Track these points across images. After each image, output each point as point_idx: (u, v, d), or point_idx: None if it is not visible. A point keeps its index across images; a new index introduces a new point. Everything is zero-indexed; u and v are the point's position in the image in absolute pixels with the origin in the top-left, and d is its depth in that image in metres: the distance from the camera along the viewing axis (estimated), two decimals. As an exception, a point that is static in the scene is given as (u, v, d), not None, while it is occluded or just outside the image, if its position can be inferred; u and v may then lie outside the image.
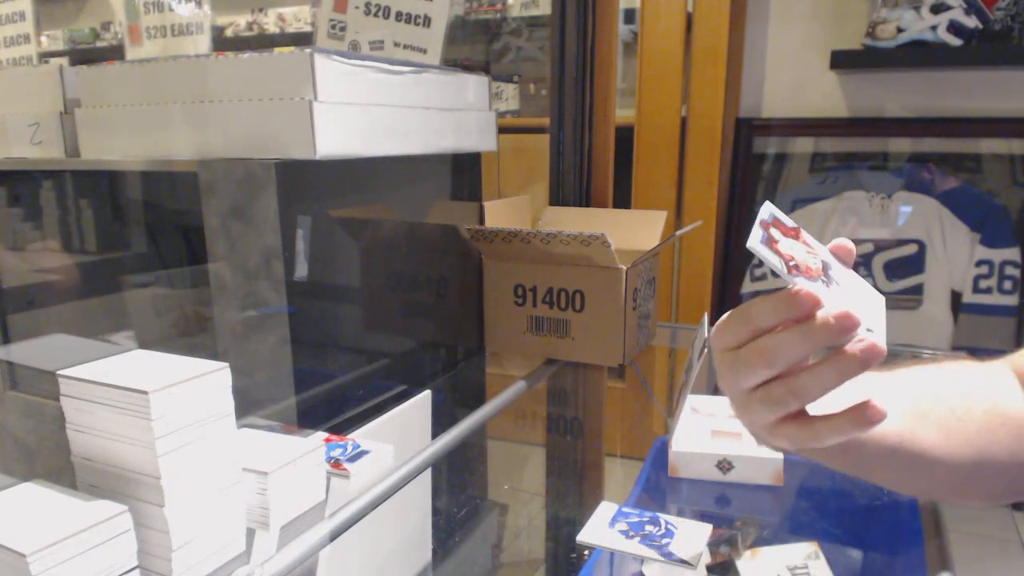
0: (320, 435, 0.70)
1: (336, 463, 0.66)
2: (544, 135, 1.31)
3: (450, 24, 0.99)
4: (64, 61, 0.93)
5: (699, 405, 1.05)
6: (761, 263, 0.46)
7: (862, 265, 1.86)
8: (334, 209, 0.83)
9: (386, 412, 0.84)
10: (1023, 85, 1.75)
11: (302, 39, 2.93)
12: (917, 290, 1.83)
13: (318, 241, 0.79)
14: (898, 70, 1.83)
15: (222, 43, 3.00)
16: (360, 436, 0.72)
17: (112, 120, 0.83)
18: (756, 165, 2.02)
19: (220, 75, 0.75)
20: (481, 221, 1.09)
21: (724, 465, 0.96)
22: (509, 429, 1.21)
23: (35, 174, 1.00)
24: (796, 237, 0.45)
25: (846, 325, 0.40)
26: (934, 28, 1.67)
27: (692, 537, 0.71)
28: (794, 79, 1.94)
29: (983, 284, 1.78)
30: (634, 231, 1.15)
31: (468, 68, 1.00)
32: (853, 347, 0.40)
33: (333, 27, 0.98)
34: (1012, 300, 1.76)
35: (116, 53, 1.39)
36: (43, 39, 3.10)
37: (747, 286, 1.99)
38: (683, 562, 0.67)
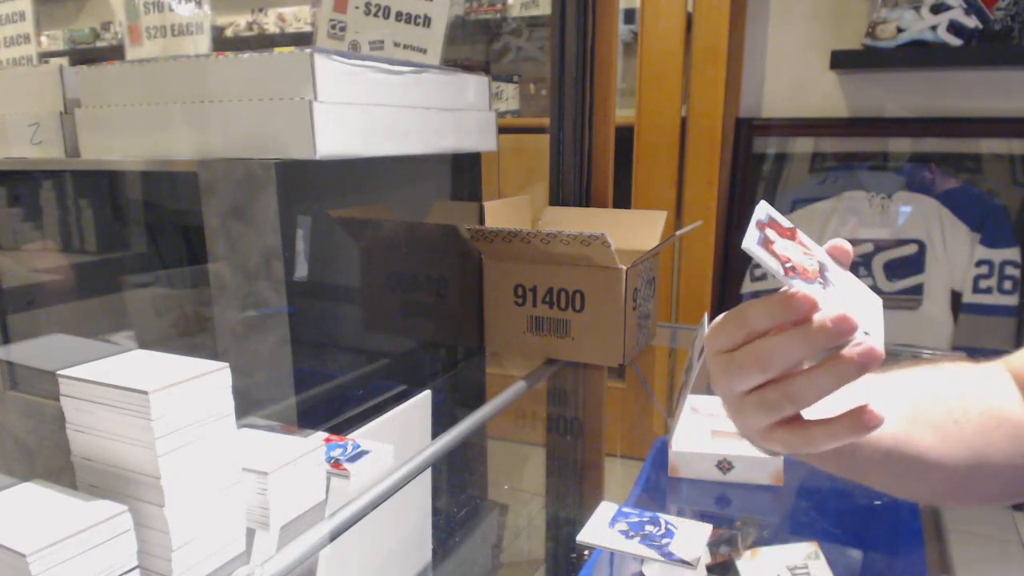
0: (320, 435, 0.70)
1: (336, 463, 0.66)
2: (544, 135, 1.31)
3: (450, 24, 0.99)
4: (64, 61, 0.93)
5: (699, 405, 1.05)
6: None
7: (862, 265, 1.86)
8: (334, 209, 0.83)
9: (386, 412, 0.84)
10: (1023, 85, 1.75)
11: (302, 39, 2.93)
12: (917, 290, 1.83)
13: (318, 241, 0.79)
14: (898, 70, 1.83)
15: (222, 43, 3.00)
16: (360, 436, 0.72)
17: (112, 120, 0.83)
18: (756, 165, 2.02)
19: (220, 75, 0.75)
20: (481, 221, 1.09)
21: (724, 465, 0.96)
22: (509, 429, 1.21)
23: (35, 174, 1.00)
24: (792, 238, 0.44)
25: (843, 328, 0.39)
26: (934, 28, 1.67)
27: (692, 537, 0.71)
28: (794, 79, 1.94)
29: (983, 284, 1.78)
30: (634, 231, 1.15)
31: (468, 68, 1.00)
32: (850, 351, 0.40)
33: (333, 27, 0.98)
34: (1012, 300, 1.76)
35: (116, 53, 1.39)
36: (43, 39, 3.11)
37: (747, 286, 1.99)
38: (683, 562, 0.67)
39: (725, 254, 2.04)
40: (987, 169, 1.83)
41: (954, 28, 1.66)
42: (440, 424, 0.89)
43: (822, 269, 0.44)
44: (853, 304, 0.43)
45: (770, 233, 0.42)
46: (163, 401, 0.49)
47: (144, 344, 0.94)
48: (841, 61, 1.79)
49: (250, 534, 0.58)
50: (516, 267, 1.02)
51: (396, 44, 0.98)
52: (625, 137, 1.90)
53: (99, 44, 3.32)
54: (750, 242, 0.40)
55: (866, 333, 0.40)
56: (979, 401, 0.53)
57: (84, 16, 3.40)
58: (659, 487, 0.98)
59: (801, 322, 0.40)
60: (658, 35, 1.95)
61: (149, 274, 0.95)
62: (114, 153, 0.84)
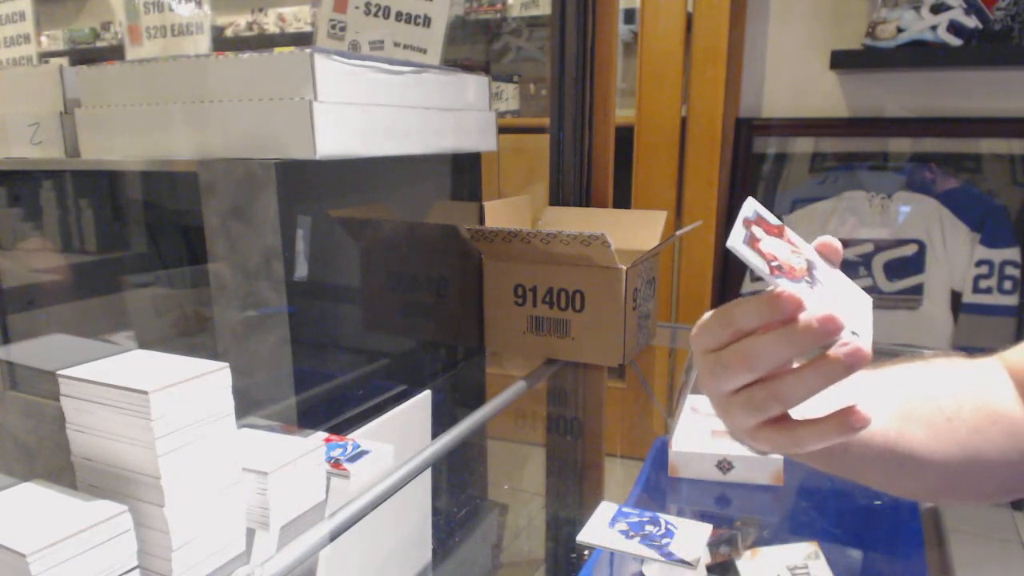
0: (320, 435, 0.70)
1: (336, 463, 0.66)
2: (544, 135, 1.31)
3: (450, 24, 0.99)
4: (64, 61, 0.93)
5: (699, 405, 1.05)
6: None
7: (862, 265, 1.86)
8: (334, 209, 0.83)
9: (386, 412, 0.84)
10: (1023, 85, 1.75)
11: (302, 39, 2.93)
12: (917, 290, 1.83)
13: (318, 241, 0.79)
14: (898, 70, 1.83)
15: (222, 43, 3.00)
16: (360, 436, 0.72)
17: (112, 120, 0.83)
18: (756, 165, 2.02)
19: (220, 75, 0.75)
20: (481, 221, 1.09)
21: (724, 465, 0.96)
22: (509, 429, 1.21)
23: (35, 174, 1.00)
24: (780, 235, 0.43)
25: (829, 328, 0.38)
26: (934, 28, 1.67)
27: (692, 537, 0.71)
28: (794, 79, 1.94)
29: (983, 284, 1.78)
30: (634, 231, 1.15)
31: (468, 68, 1.00)
32: (837, 351, 0.39)
33: (333, 27, 0.98)
34: (1012, 300, 1.76)
35: (116, 53, 1.39)
36: (43, 39, 3.11)
37: (747, 286, 1.99)
38: (683, 562, 0.67)
39: (725, 254, 2.03)
40: (987, 169, 1.83)
41: (954, 28, 1.66)
42: (440, 424, 0.89)
43: (810, 267, 0.43)
44: (841, 303, 0.42)
45: (757, 231, 0.42)
46: (163, 401, 0.49)
47: (144, 344, 0.94)
48: (841, 61, 1.79)
49: (250, 534, 0.58)
50: (516, 267, 1.02)
51: (396, 44, 0.98)
52: (625, 137, 1.90)
53: (99, 44, 3.32)
54: (735, 241, 0.40)
55: (854, 333, 0.39)
56: (972, 397, 0.53)
57: (84, 16, 3.40)
58: (659, 487, 0.98)
59: (787, 322, 0.40)
60: (658, 35, 1.95)
61: (149, 274, 0.95)
62: (114, 153, 0.84)
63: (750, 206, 0.42)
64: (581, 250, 0.94)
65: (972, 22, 1.66)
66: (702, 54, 1.89)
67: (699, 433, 0.99)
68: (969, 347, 0.58)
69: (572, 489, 1.26)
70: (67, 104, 0.88)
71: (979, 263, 1.78)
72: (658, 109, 1.98)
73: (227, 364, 0.53)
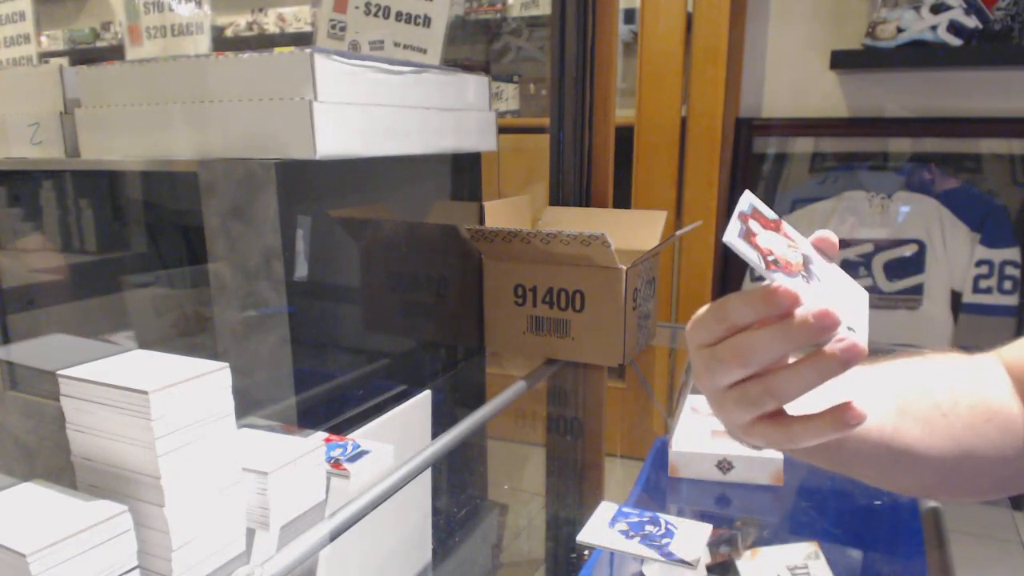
0: (320, 435, 0.70)
1: (336, 463, 0.66)
2: (544, 135, 1.31)
3: (450, 24, 0.99)
4: (64, 61, 0.93)
5: (699, 405, 1.05)
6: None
7: (862, 265, 1.86)
8: (334, 209, 0.83)
9: (386, 412, 0.84)
10: (1023, 85, 1.75)
11: (302, 39, 2.93)
12: (917, 290, 1.83)
13: (318, 241, 0.79)
14: (898, 70, 1.83)
15: (222, 43, 3.00)
16: (360, 436, 0.72)
17: (112, 120, 0.83)
18: (756, 165, 2.02)
19: (220, 75, 0.75)
20: (481, 221, 1.09)
21: (724, 465, 0.96)
22: (509, 429, 1.21)
23: (35, 174, 1.00)
24: (777, 229, 0.43)
25: (825, 324, 0.38)
26: (934, 28, 1.67)
27: (692, 537, 0.71)
28: (794, 79, 1.94)
29: (983, 284, 1.78)
30: (634, 231, 1.15)
31: (468, 68, 1.00)
32: (833, 347, 0.39)
33: (333, 27, 0.98)
34: (1012, 300, 1.76)
35: (116, 53, 1.39)
36: (43, 39, 3.11)
37: (747, 285, 1.99)
38: (683, 562, 0.67)
39: (725, 254, 2.04)
40: (987, 169, 1.83)
41: (954, 28, 1.66)
42: (440, 424, 0.89)
43: (806, 262, 0.42)
44: (837, 298, 0.42)
45: (753, 225, 0.41)
46: (163, 401, 0.49)
47: (144, 344, 0.94)
48: (841, 61, 1.79)
49: (250, 534, 0.58)
50: (516, 267, 1.02)
51: (396, 44, 0.98)
52: (625, 137, 1.90)
53: (99, 44, 3.32)
54: (731, 235, 0.39)
55: (850, 328, 0.39)
56: (968, 393, 0.53)
57: (84, 16, 3.40)
58: (659, 487, 0.98)
59: (783, 317, 0.39)
60: (658, 35, 1.95)
61: (149, 274, 0.95)
62: (114, 153, 0.84)
63: (746, 200, 0.42)
64: (581, 250, 0.94)
65: (972, 22, 1.66)
66: (702, 54, 1.89)
67: (699, 433, 0.99)
68: (969, 347, 0.58)
69: (572, 489, 1.26)
70: (67, 104, 0.88)
71: (979, 263, 1.78)
72: (658, 109, 1.98)
73: (227, 364, 0.53)
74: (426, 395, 0.91)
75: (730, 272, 2.04)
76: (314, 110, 0.72)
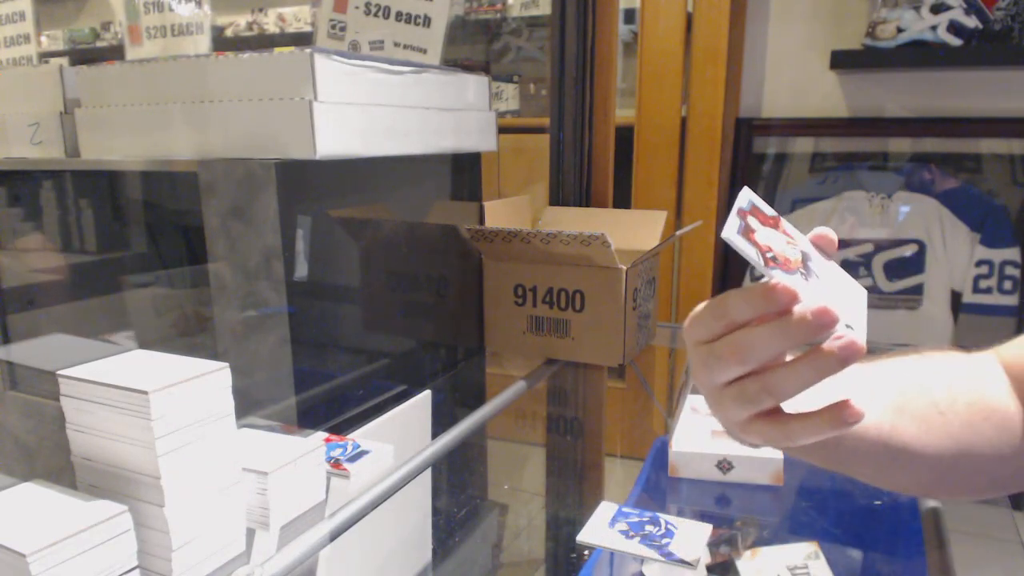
0: (320, 435, 0.70)
1: (336, 463, 0.66)
2: (544, 135, 1.31)
3: (450, 24, 0.99)
4: (64, 61, 0.93)
5: (699, 405, 1.05)
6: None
7: (862, 265, 1.86)
8: (334, 209, 0.83)
9: (386, 412, 0.84)
10: (1023, 85, 1.75)
11: (302, 39, 2.93)
12: (917, 290, 1.83)
13: (318, 241, 0.79)
14: (898, 70, 1.83)
15: (222, 43, 3.00)
16: (360, 436, 0.72)
17: (112, 120, 0.83)
18: (756, 165, 2.02)
19: (220, 75, 0.75)
20: (481, 221, 1.09)
21: (724, 465, 0.96)
22: (509, 429, 1.21)
23: (35, 174, 1.00)
24: (775, 226, 0.42)
25: (824, 321, 0.38)
26: (934, 28, 1.67)
27: (692, 537, 0.71)
28: (794, 79, 1.94)
29: (983, 284, 1.78)
30: (634, 231, 1.15)
31: (468, 68, 1.00)
32: (831, 344, 0.39)
33: (333, 27, 0.98)
34: (1012, 300, 1.76)
35: (116, 53, 1.39)
36: (43, 39, 3.11)
37: (747, 285, 1.99)
38: (683, 562, 0.67)
39: (725, 254, 2.04)
40: (987, 169, 1.83)
41: (954, 28, 1.66)
42: (440, 424, 0.89)
43: (805, 259, 0.42)
44: (836, 296, 0.42)
45: (752, 221, 0.41)
46: (163, 401, 0.49)
47: (144, 344, 0.94)
48: (841, 61, 1.79)
49: (250, 534, 0.58)
50: (516, 267, 1.02)
51: (396, 44, 0.98)
52: (625, 137, 1.90)
53: (99, 44, 3.32)
54: (730, 231, 0.39)
55: (848, 326, 0.39)
56: (967, 391, 0.53)
57: (84, 16, 3.40)
58: (659, 487, 0.98)
59: (781, 314, 0.39)
60: (658, 35, 1.95)
61: (149, 274, 0.95)
62: (114, 153, 0.84)
63: (745, 196, 0.41)
64: (581, 250, 0.94)
65: (972, 22, 1.66)
66: (702, 54, 1.89)
67: (699, 433, 0.99)
68: (969, 347, 0.58)
69: (572, 489, 1.26)
70: (67, 104, 0.88)
71: (979, 263, 1.78)
72: (658, 109, 1.98)
73: (227, 364, 0.53)
74: (426, 395, 0.91)
75: (730, 272, 2.04)
76: (314, 110, 0.72)
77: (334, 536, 0.63)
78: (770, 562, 0.81)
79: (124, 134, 0.82)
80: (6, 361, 0.99)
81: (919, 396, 0.52)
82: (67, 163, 0.90)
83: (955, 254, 1.81)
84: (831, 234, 0.45)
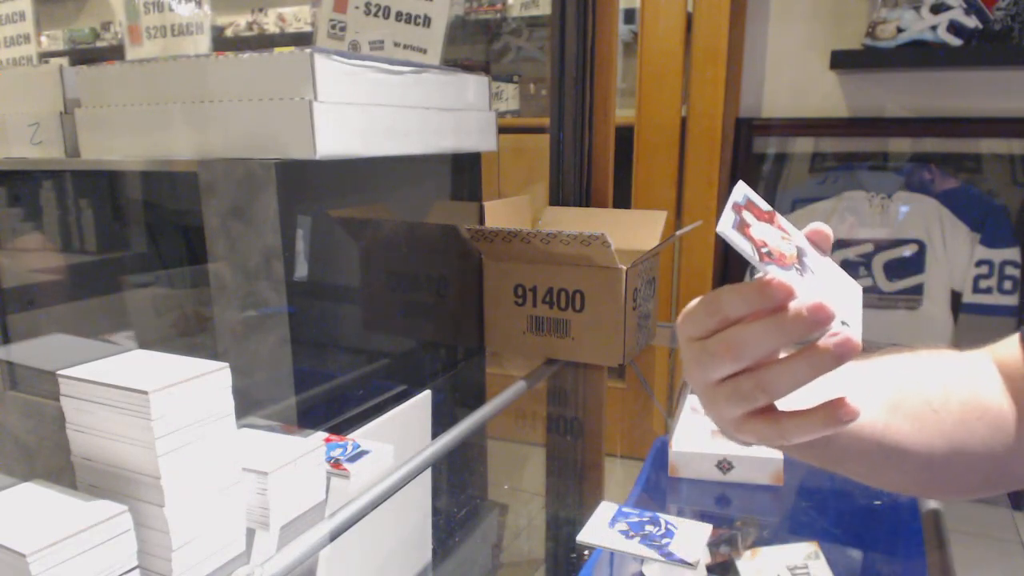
0: (320, 435, 0.70)
1: (336, 463, 0.66)
2: (544, 135, 1.31)
3: (450, 24, 0.99)
4: (64, 61, 0.93)
5: (699, 405, 1.05)
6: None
7: (862, 265, 1.86)
8: (334, 209, 0.83)
9: (386, 412, 0.84)
10: (1023, 85, 1.75)
11: (302, 39, 2.93)
12: (917, 290, 1.83)
13: (318, 241, 0.79)
14: (898, 70, 1.83)
15: (222, 43, 3.00)
16: (360, 436, 0.72)
17: (112, 120, 0.83)
18: (756, 165, 2.02)
19: (220, 75, 0.75)
20: (481, 221, 1.09)
21: (724, 465, 0.96)
22: (509, 429, 1.21)
23: (35, 174, 1.00)
24: (771, 221, 0.42)
25: (820, 318, 0.37)
26: (934, 28, 1.67)
27: (692, 537, 0.71)
28: (794, 79, 1.94)
29: (983, 284, 1.78)
30: (634, 231, 1.15)
31: (468, 68, 1.00)
32: (826, 341, 0.38)
33: (333, 27, 0.98)
34: (1012, 300, 1.76)
35: (116, 53, 1.39)
36: (43, 39, 3.11)
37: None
38: (683, 562, 0.67)
39: (725, 254, 2.04)
40: (987, 169, 1.83)
41: (954, 28, 1.66)
42: (440, 424, 0.89)
43: (800, 255, 0.42)
44: (831, 292, 0.41)
45: (747, 216, 0.40)
46: (163, 401, 0.49)
47: (144, 344, 0.94)
48: (841, 61, 1.79)
49: (250, 534, 0.58)
50: (516, 267, 1.02)
51: (396, 44, 0.98)
52: (625, 137, 1.90)
53: (99, 44, 3.32)
54: (725, 226, 0.38)
55: (844, 323, 0.38)
56: (960, 389, 0.52)
57: (84, 16, 3.40)
58: (659, 487, 0.98)
59: (777, 310, 0.38)
60: (658, 35, 1.95)
61: (149, 274, 0.95)
62: (114, 153, 0.84)
63: (740, 191, 0.41)
64: (581, 250, 0.94)
65: (972, 22, 1.66)
66: (702, 54, 1.89)
67: (699, 433, 0.99)
68: (969, 347, 0.57)
69: (572, 489, 1.26)
70: (67, 104, 0.88)
71: (979, 263, 1.78)
72: (658, 109, 1.98)
73: (227, 364, 0.53)
74: (426, 395, 0.91)
75: (730, 272, 2.04)
76: (314, 110, 0.72)
77: (334, 536, 0.63)
78: (770, 562, 0.81)
79: (124, 134, 0.82)
80: (6, 361, 0.99)
81: (913, 394, 0.51)
82: (67, 163, 0.90)
83: (955, 254, 1.81)
84: (826, 230, 0.44)
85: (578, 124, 1.27)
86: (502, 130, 1.10)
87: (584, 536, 0.72)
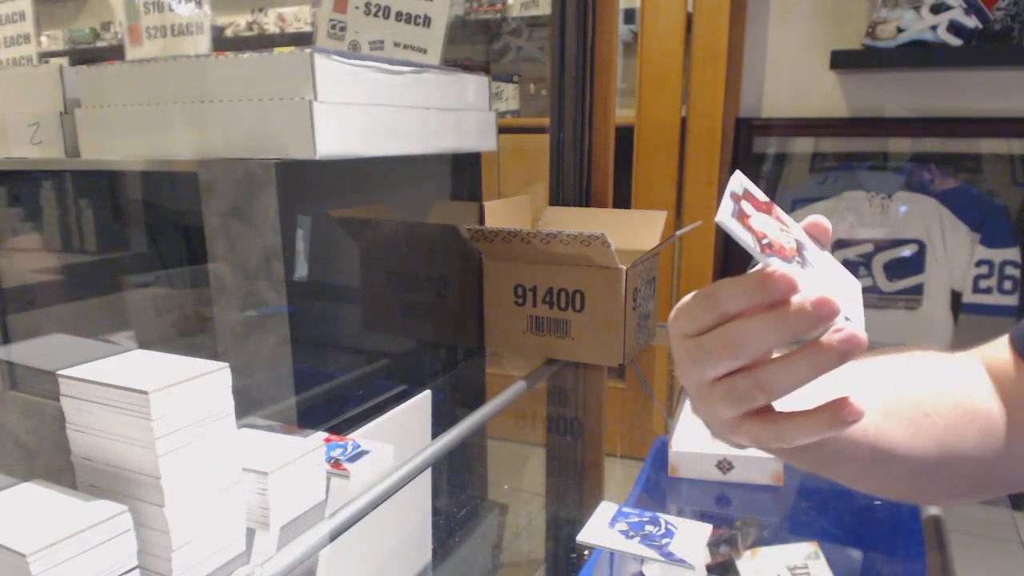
0: (320, 435, 0.70)
1: (336, 463, 0.66)
2: (544, 135, 1.31)
3: (450, 24, 0.99)
4: (64, 61, 0.93)
5: (699, 405, 1.05)
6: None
7: (862, 265, 1.86)
8: (334, 209, 0.83)
9: (386, 412, 0.84)
10: (1023, 85, 1.75)
11: (302, 39, 2.93)
12: (917, 290, 1.83)
13: (318, 241, 0.79)
14: (898, 70, 1.83)
15: (222, 43, 3.00)
16: (360, 436, 0.72)
17: (112, 120, 0.83)
18: (756, 165, 2.02)
19: (220, 75, 0.75)
20: (481, 221, 1.09)
21: (724, 465, 0.96)
22: (509, 429, 1.21)
23: (35, 174, 1.00)
24: (769, 212, 0.40)
25: (824, 312, 0.35)
26: (934, 28, 1.67)
27: (692, 537, 0.71)
28: (794, 79, 1.94)
29: (983, 284, 1.78)
30: (634, 231, 1.15)
31: (468, 68, 1.00)
32: (830, 337, 0.36)
33: (333, 27, 0.98)
34: (1012, 300, 1.76)
35: (116, 53, 1.39)
36: (43, 39, 3.11)
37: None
38: (683, 562, 0.67)
39: (725, 254, 2.04)
40: (987, 169, 1.83)
41: (954, 28, 1.66)
42: (440, 424, 0.89)
43: (800, 247, 0.40)
44: (833, 286, 0.39)
45: (745, 206, 0.38)
46: (163, 401, 0.49)
47: (144, 344, 0.94)
48: (841, 61, 1.79)
49: (250, 534, 0.58)
50: (516, 267, 1.02)
51: (396, 44, 0.98)
52: (625, 137, 1.90)
53: (99, 44, 3.32)
54: (724, 215, 0.36)
55: (847, 318, 0.36)
56: (952, 393, 0.51)
57: (84, 16, 3.40)
58: (659, 487, 0.98)
59: (777, 304, 0.36)
60: (658, 35, 1.95)
61: (149, 274, 0.95)
62: (114, 153, 0.84)
63: (737, 180, 0.39)
64: (581, 250, 0.94)
65: (972, 22, 1.66)
66: (702, 54, 1.89)
67: (699, 433, 0.99)
68: (968, 348, 0.57)
69: (572, 489, 1.26)
70: (67, 104, 0.88)
71: (979, 263, 1.78)
72: (658, 109, 1.98)
73: (227, 364, 0.53)
74: (426, 395, 0.91)
75: (730, 271, 2.04)
76: (314, 110, 0.72)
77: (334, 536, 0.63)
78: (770, 562, 0.81)
79: (124, 134, 0.82)
80: (6, 361, 0.99)
81: (906, 397, 0.50)
82: (67, 163, 0.90)
83: (955, 254, 1.81)
84: (825, 223, 0.42)
85: (578, 124, 1.27)
86: (502, 130, 1.10)
87: (584, 536, 0.72)
